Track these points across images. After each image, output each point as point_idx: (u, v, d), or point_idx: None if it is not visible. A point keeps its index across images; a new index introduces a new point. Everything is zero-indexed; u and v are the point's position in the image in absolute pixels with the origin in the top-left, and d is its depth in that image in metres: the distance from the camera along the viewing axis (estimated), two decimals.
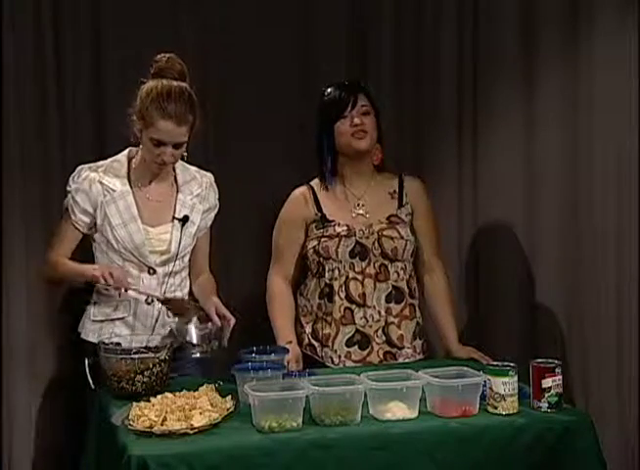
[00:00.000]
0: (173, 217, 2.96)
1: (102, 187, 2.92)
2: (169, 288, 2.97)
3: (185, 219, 2.95)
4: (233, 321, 2.84)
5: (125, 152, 3.00)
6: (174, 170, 3.02)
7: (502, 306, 3.61)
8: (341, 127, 3.12)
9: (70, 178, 2.96)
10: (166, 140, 2.83)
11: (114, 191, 2.92)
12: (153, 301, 2.93)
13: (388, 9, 3.78)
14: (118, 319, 2.94)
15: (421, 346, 3.18)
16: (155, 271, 2.95)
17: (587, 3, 3.23)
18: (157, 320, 2.95)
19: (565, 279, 3.38)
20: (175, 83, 2.85)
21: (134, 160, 2.98)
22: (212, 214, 3.08)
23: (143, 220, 2.93)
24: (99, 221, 2.93)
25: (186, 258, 3.03)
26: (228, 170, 3.63)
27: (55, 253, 2.96)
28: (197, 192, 3.02)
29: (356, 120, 3.10)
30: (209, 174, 3.09)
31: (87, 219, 2.94)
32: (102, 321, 2.96)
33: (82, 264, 2.93)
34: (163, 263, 2.96)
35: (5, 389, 3.31)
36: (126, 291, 2.84)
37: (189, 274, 3.08)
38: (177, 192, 3.00)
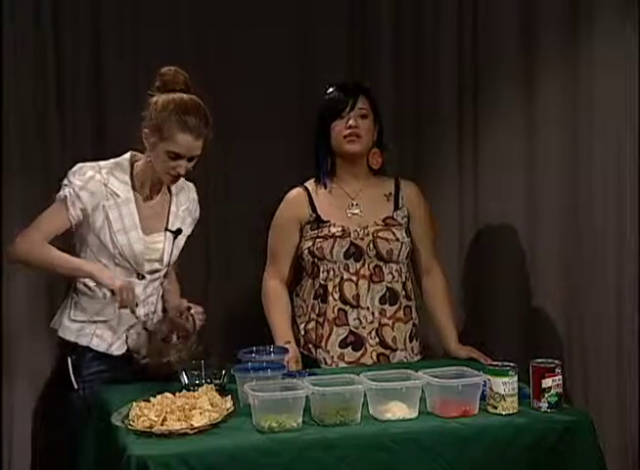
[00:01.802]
0: (166, 229, 2.96)
1: (106, 190, 2.88)
2: (151, 291, 2.99)
3: (178, 232, 2.97)
4: (200, 309, 2.87)
5: (127, 156, 2.95)
6: None
7: (502, 307, 3.61)
8: (336, 128, 3.11)
9: (71, 174, 2.87)
10: (184, 153, 2.83)
11: (118, 196, 2.89)
12: (137, 305, 2.90)
13: (387, 9, 3.77)
14: (102, 322, 2.91)
15: (418, 347, 3.18)
16: (144, 277, 2.95)
17: (587, 3, 3.22)
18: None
19: (565, 279, 3.38)
20: (188, 97, 2.86)
21: (137, 165, 2.94)
22: (193, 226, 3.09)
23: (142, 229, 2.92)
24: (97, 224, 2.88)
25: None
26: (227, 171, 3.63)
27: (38, 232, 2.84)
28: (186, 205, 3.03)
29: (351, 122, 3.08)
30: (192, 185, 3.09)
31: (81, 217, 2.88)
32: (82, 322, 2.92)
33: (81, 260, 2.87)
34: (153, 271, 2.96)
35: (5, 388, 3.31)
36: (133, 312, 2.81)
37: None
38: (170, 202, 3.00)
